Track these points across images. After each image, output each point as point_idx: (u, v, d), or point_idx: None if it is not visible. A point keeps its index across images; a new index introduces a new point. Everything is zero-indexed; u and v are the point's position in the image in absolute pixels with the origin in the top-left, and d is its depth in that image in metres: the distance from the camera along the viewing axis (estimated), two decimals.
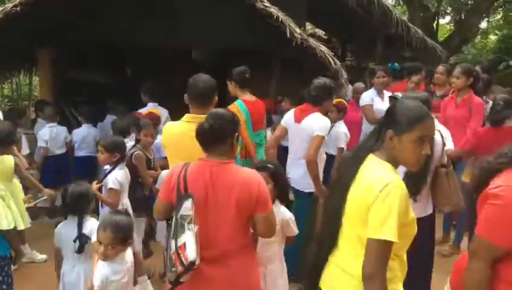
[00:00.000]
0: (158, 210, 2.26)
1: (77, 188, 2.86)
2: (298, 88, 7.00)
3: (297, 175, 3.74)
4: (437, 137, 3.05)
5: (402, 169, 2.91)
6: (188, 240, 1.94)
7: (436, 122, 3.22)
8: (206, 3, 5.34)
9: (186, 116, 2.81)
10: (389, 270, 1.69)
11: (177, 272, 1.95)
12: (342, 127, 4.79)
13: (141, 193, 3.87)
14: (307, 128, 3.71)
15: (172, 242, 1.97)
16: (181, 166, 2.16)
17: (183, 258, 1.92)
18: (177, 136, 2.78)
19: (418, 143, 1.75)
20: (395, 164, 1.83)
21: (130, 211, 3.39)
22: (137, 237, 3.72)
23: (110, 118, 5.36)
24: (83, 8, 5.52)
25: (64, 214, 3.01)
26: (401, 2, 17.25)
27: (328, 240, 1.91)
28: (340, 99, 5.10)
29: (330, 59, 5.13)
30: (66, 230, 2.85)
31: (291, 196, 3.58)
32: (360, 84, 6.09)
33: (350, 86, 5.92)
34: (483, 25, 26.11)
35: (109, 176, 3.41)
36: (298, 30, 4.98)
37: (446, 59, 9.77)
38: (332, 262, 1.89)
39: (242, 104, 3.81)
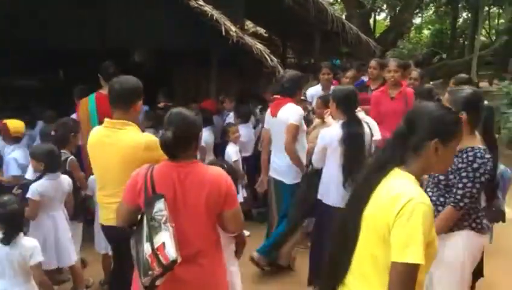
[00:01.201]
0: (122, 216, 2.20)
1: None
2: (239, 87, 7.07)
3: (281, 167, 3.86)
4: (365, 128, 3.17)
5: (337, 164, 3.05)
6: (167, 239, 1.91)
7: (363, 114, 3.35)
8: (141, 4, 5.22)
9: (106, 121, 2.70)
10: None
11: (153, 275, 1.90)
12: None
13: (79, 196, 3.74)
14: (283, 119, 3.78)
15: (147, 245, 1.93)
16: (145, 169, 2.13)
17: (162, 259, 1.88)
18: (93, 142, 2.71)
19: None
20: (422, 174, 1.74)
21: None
22: (75, 245, 3.59)
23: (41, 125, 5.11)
24: (13, 9, 5.22)
25: None
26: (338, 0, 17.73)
27: (343, 261, 1.74)
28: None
29: (267, 56, 5.18)
30: None
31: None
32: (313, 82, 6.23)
33: None
34: (418, 20, 27.56)
35: (32, 185, 3.26)
36: (234, 28, 4.98)
37: (381, 54, 10.17)
38: (345, 286, 1.75)
39: (92, 99, 3.97)
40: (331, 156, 3.22)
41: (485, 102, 2.55)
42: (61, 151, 3.55)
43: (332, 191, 3.27)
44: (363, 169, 1.84)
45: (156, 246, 1.90)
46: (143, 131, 4.66)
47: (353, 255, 1.71)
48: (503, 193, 3.63)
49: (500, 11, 21.40)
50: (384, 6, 20.59)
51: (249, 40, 5.14)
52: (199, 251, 2.11)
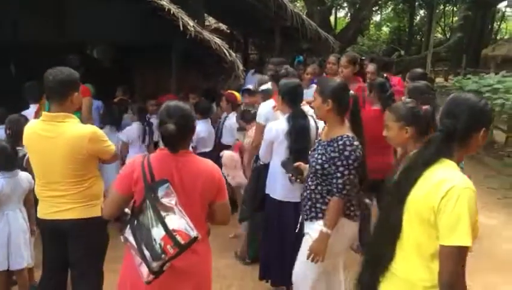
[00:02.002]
0: (113, 206, 2.19)
1: None
2: (199, 82, 7.03)
3: None
4: (311, 122, 3.21)
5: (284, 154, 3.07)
6: (182, 219, 1.96)
7: (308, 107, 3.36)
8: (97, 0, 5.10)
9: (44, 115, 2.66)
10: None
11: (165, 258, 1.93)
12: (233, 119, 4.88)
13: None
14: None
15: (157, 229, 1.94)
16: (141, 157, 2.16)
17: (179, 239, 1.92)
18: (30, 135, 2.64)
19: None
20: (461, 160, 1.81)
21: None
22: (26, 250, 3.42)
23: None
24: None
25: None
26: None
27: (386, 252, 1.80)
28: (232, 92, 5.20)
29: (226, 51, 5.17)
30: None
31: None
32: (264, 77, 6.20)
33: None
34: (377, 18, 28.20)
35: None
36: (192, 23, 4.94)
37: (341, 50, 10.34)
38: (392, 273, 1.80)
39: None
40: (278, 150, 3.21)
41: (351, 92, 2.69)
42: (18, 148, 3.43)
43: (279, 185, 3.25)
44: (404, 164, 1.86)
45: (171, 227, 1.93)
46: (101, 128, 4.59)
47: (397, 244, 1.76)
48: None
49: (455, 9, 22.18)
50: (345, 4, 20.95)
51: (207, 35, 5.11)
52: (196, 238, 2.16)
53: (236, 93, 5.18)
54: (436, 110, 3.59)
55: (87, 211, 2.67)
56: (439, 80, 18.32)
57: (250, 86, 4.98)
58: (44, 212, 2.71)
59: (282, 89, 3.25)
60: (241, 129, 4.83)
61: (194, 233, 1.96)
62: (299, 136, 3.11)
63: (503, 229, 5.09)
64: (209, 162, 2.27)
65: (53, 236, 2.75)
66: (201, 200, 2.17)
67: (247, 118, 4.32)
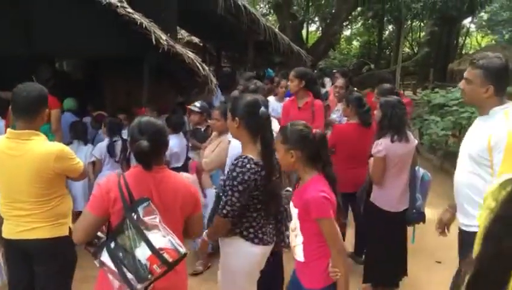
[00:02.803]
0: (87, 228, 2.05)
1: None
2: (171, 96, 6.98)
3: None
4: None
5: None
6: (169, 237, 1.92)
7: (276, 123, 3.34)
8: (67, 12, 5.00)
9: (9, 132, 2.55)
10: None
11: (151, 279, 1.88)
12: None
13: None
14: None
15: (141, 249, 1.87)
16: (115, 176, 2.07)
17: (167, 257, 1.87)
18: None
19: None
20: None
21: None
22: None
23: None
24: None
25: None
26: (271, 11, 18.12)
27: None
28: None
29: (199, 65, 5.16)
30: None
31: None
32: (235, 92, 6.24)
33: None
34: (348, 32, 28.84)
35: None
36: (164, 36, 4.91)
37: (312, 63, 10.50)
38: None
39: None
40: None
41: (262, 110, 2.44)
42: None
43: None
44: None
45: (157, 246, 1.87)
46: (69, 143, 4.47)
47: None
48: (423, 195, 3.84)
49: (422, 24, 22.90)
50: (316, 18, 21.34)
51: (180, 49, 5.09)
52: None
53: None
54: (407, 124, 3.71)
55: (54, 231, 2.58)
56: (408, 93, 18.80)
57: (197, 104, 4.96)
58: (9, 232, 2.60)
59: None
60: (195, 148, 4.84)
61: (183, 250, 1.93)
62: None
63: None
64: (183, 176, 2.30)
65: (19, 257, 2.64)
66: (181, 215, 2.15)
67: (198, 137, 4.29)
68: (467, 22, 23.71)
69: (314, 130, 2.28)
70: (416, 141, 3.79)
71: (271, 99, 5.67)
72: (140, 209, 1.95)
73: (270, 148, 2.42)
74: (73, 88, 6.63)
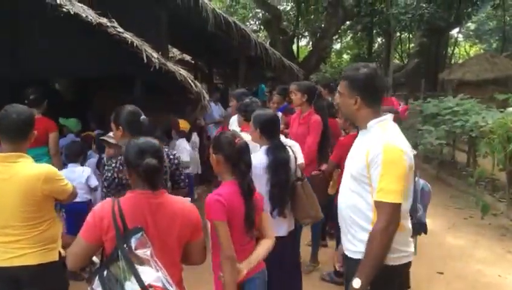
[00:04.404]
0: (79, 256, 1.99)
1: None
2: (165, 113, 6.94)
3: None
4: (289, 152, 3.12)
5: (264, 189, 2.98)
6: (159, 273, 1.84)
7: (284, 137, 3.34)
8: (59, 33, 4.98)
9: None
10: None
11: None
12: (183, 144, 5.57)
13: None
14: None
15: (130, 283, 1.79)
16: (109, 202, 1.99)
17: None
18: None
19: None
20: None
21: None
22: None
23: None
24: None
25: None
26: (262, 27, 18.27)
27: None
28: (176, 119, 5.85)
29: (191, 82, 5.14)
30: None
31: None
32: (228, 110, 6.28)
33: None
34: (338, 46, 29.11)
35: None
36: (156, 55, 4.90)
37: (304, 77, 10.53)
38: None
39: None
40: (256, 185, 2.99)
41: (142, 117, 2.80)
42: None
43: None
44: None
45: (146, 282, 1.80)
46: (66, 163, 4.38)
47: None
48: (424, 206, 3.80)
49: (411, 36, 23.15)
50: (306, 33, 21.53)
51: (171, 66, 5.07)
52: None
53: (181, 121, 5.82)
54: None
55: (44, 256, 2.49)
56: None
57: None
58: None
59: (256, 120, 3.10)
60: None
61: (171, 289, 1.84)
62: (279, 169, 2.96)
63: (474, 249, 5.16)
64: (183, 200, 2.16)
65: (7, 284, 2.53)
66: (178, 242, 2.05)
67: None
68: (454, 32, 24.01)
69: (237, 140, 2.40)
70: (414, 151, 3.76)
71: None
72: (133, 241, 1.87)
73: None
74: (67, 108, 6.59)
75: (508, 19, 22.95)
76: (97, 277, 1.91)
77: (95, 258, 2.03)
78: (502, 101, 7.58)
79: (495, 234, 5.58)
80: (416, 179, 3.79)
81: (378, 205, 1.99)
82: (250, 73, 9.27)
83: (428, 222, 4.05)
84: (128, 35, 4.81)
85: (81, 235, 1.99)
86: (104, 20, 4.77)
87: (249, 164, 2.44)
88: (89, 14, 4.77)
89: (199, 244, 2.16)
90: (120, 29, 4.83)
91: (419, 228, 3.76)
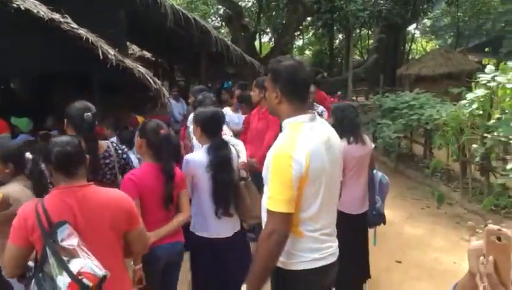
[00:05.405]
0: (13, 261, 1.94)
1: None
2: (125, 111, 6.82)
3: None
4: (233, 151, 3.05)
5: (207, 192, 2.91)
6: (87, 260, 1.81)
7: (228, 137, 3.29)
8: (8, 30, 4.77)
9: None
10: None
11: None
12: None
13: None
14: None
15: (62, 277, 1.77)
16: (33, 203, 1.95)
17: (87, 281, 1.77)
18: None
19: None
20: None
21: None
22: None
23: None
24: None
25: None
26: (223, 24, 18.19)
27: None
28: (135, 116, 5.65)
29: (150, 79, 5.06)
30: None
31: None
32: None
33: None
34: (300, 42, 29.41)
35: None
36: (112, 52, 4.79)
37: (266, 74, 10.56)
38: None
39: None
40: (199, 184, 2.94)
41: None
42: None
43: (207, 222, 2.96)
44: None
45: (75, 271, 1.77)
46: None
47: None
48: (382, 198, 3.91)
49: (370, 32, 23.66)
50: (268, 30, 21.60)
51: (129, 63, 4.98)
52: (109, 275, 1.99)
53: (139, 117, 5.59)
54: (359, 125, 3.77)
55: None
56: (361, 98, 19.31)
57: None
58: None
59: (197, 118, 3.02)
60: None
61: (100, 272, 1.82)
62: (221, 168, 2.88)
63: (431, 238, 5.35)
64: (116, 191, 2.17)
65: None
66: (113, 233, 2.04)
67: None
68: (411, 28, 24.75)
69: (162, 130, 2.65)
70: (373, 145, 3.85)
71: (226, 110, 5.66)
72: (58, 234, 1.84)
73: (93, 148, 2.72)
74: (22, 107, 6.36)
75: (461, 15, 23.89)
76: (33, 280, 1.87)
77: (30, 263, 1.98)
78: (456, 95, 7.84)
79: (450, 223, 5.80)
80: (375, 171, 3.90)
81: (267, 211, 1.92)
82: (212, 69, 9.21)
83: (387, 213, 4.17)
84: (82, 31, 4.69)
85: (10, 241, 1.95)
86: (56, 16, 4.63)
87: (170, 152, 2.67)
88: (40, 9, 4.61)
89: (138, 233, 2.16)
90: (74, 25, 4.70)
91: (378, 219, 3.87)
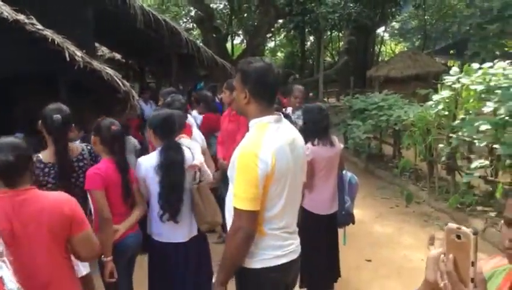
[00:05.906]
0: None
1: None
2: (92, 114, 6.69)
3: None
4: (187, 153, 3.00)
5: (155, 192, 2.87)
6: (5, 273, 1.70)
7: (186, 139, 3.27)
8: None
9: None
10: None
11: None
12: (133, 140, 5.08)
13: None
14: None
15: None
16: None
17: None
18: None
19: None
20: None
21: None
22: None
23: None
24: None
25: None
26: (195, 26, 18.11)
27: None
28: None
29: (119, 81, 4.98)
30: None
31: None
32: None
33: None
34: (272, 44, 29.53)
35: None
36: (79, 53, 4.69)
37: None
38: None
39: None
40: (151, 187, 2.91)
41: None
42: None
43: (159, 226, 2.92)
44: None
45: None
46: None
47: None
48: (352, 198, 3.97)
49: (340, 34, 24.01)
50: (240, 31, 21.63)
51: (97, 65, 4.89)
52: (50, 282, 1.98)
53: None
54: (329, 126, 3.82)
55: None
56: (332, 100, 19.57)
57: None
58: None
59: (151, 121, 3.01)
60: None
61: (14, 286, 1.72)
62: (170, 170, 2.84)
63: (400, 236, 5.46)
64: (54, 195, 2.08)
65: None
66: (53, 238, 1.98)
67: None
68: (381, 31, 25.25)
69: (114, 127, 2.82)
70: (342, 145, 3.90)
71: (194, 112, 5.66)
72: None
73: (61, 150, 2.77)
74: None
75: (429, 18, 24.52)
76: None
77: None
78: (423, 96, 8.04)
79: (418, 221, 5.94)
80: (344, 172, 3.96)
81: (234, 209, 1.95)
82: (183, 71, 9.15)
83: (358, 212, 4.24)
84: (48, 33, 4.57)
85: None
86: (21, 17, 4.50)
87: (122, 147, 2.87)
88: (4, 10, 4.47)
89: (83, 237, 2.07)
90: (40, 26, 4.58)
91: (348, 218, 3.93)
